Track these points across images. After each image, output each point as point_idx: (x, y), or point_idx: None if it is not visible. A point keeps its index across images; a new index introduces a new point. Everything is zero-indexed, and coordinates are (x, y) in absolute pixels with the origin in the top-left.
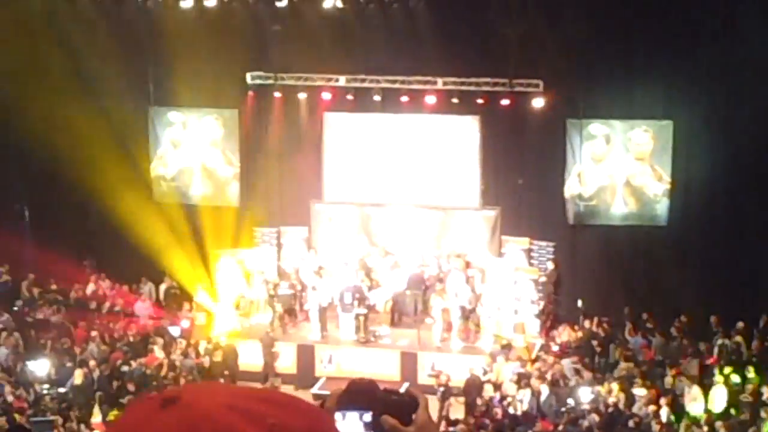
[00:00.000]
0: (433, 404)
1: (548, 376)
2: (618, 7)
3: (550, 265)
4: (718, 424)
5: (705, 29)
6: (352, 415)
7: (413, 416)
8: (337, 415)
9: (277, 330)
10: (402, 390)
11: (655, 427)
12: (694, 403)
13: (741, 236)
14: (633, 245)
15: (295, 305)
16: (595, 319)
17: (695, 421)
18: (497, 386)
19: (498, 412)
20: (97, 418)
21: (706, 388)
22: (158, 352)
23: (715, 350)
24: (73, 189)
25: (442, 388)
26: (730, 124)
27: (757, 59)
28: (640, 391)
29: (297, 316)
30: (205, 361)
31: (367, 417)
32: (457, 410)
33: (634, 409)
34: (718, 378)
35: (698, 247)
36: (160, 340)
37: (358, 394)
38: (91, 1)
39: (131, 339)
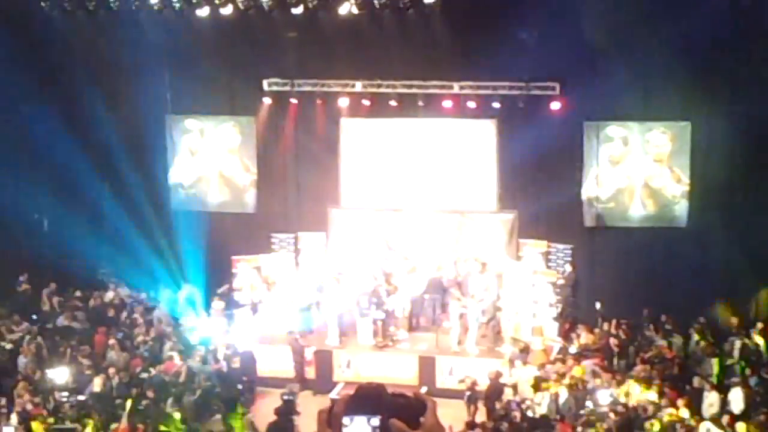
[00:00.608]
0: (461, 409)
1: (567, 379)
2: (634, 9)
3: (568, 268)
4: (740, 425)
5: (722, 30)
6: (360, 419)
7: (421, 420)
8: (345, 420)
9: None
10: (410, 394)
11: (678, 428)
12: (711, 408)
13: (760, 237)
14: (651, 247)
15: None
16: (614, 322)
17: (715, 422)
18: (516, 389)
19: (516, 415)
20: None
21: (724, 389)
22: (176, 359)
23: (735, 352)
24: (92, 197)
25: (468, 392)
26: (748, 125)
27: None
28: (650, 395)
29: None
30: (224, 367)
31: (375, 421)
32: (481, 414)
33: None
34: (735, 380)
35: (717, 248)
36: (178, 347)
37: (367, 398)
38: (108, 11)
39: (150, 345)
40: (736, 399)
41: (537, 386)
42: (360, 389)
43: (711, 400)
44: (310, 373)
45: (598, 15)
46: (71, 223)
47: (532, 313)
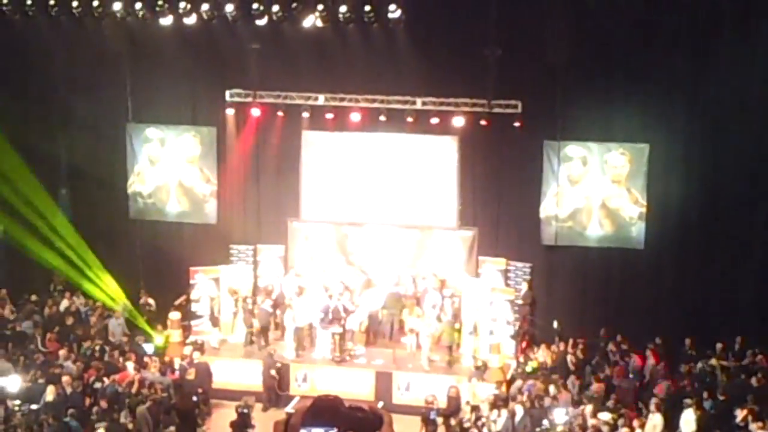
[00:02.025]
0: (416, 425)
1: (523, 397)
2: (597, 31)
3: (525, 287)
4: None
5: (683, 54)
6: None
7: None
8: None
9: (253, 347)
10: (367, 407)
11: None
12: (654, 430)
13: (715, 259)
14: (608, 267)
15: (271, 323)
16: (571, 341)
17: None
18: (473, 407)
19: None
20: None
21: (676, 411)
22: (130, 369)
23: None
24: (49, 204)
25: (432, 410)
26: (706, 148)
27: (734, 85)
28: (604, 416)
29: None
30: (179, 379)
31: None
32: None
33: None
34: (688, 401)
35: (673, 270)
36: (132, 357)
37: (324, 410)
38: (70, 18)
39: (105, 356)
40: (688, 421)
41: (494, 404)
42: (317, 401)
43: (654, 422)
44: (253, 386)
45: (560, 36)
46: (27, 231)
47: (490, 331)
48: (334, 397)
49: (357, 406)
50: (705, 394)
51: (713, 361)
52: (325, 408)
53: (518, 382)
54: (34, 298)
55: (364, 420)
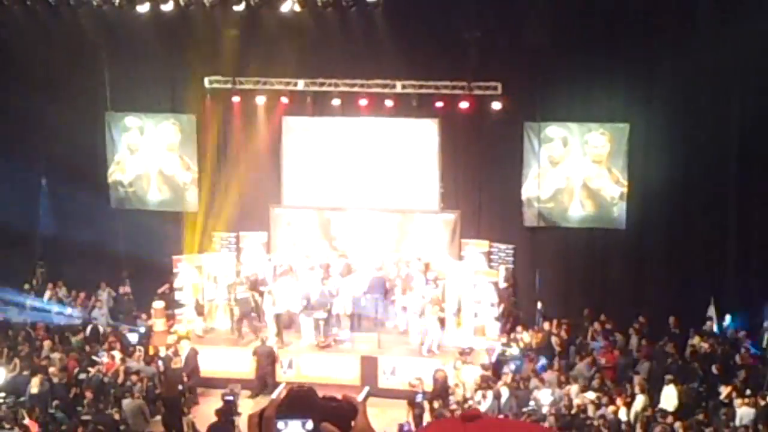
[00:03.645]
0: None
1: (508, 379)
2: (576, 11)
3: (503, 270)
4: (677, 424)
5: (663, 34)
6: (295, 423)
7: (352, 422)
8: (280, 423)
9: (234, 334)
10: (341, 397)
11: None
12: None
13: (697, 238)
14: (591, 247)
15: (252, 310)
16: (555, 321)
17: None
18: (456, 386)
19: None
20: None
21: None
22: (116, 359)
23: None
24: (31, 194)
25: (419, 395)
26: (686, 128)
27: (712, 64)
28: (589, 395)
29: (257, 321)
30: (165, 367)
31: (309, 425)
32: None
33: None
34: (669, 377)
35: (655, 249)
36: (117, 347)
37: (298, 401)
38: (46, 7)
39: (82, 344)
40: (669, 396)
41: (480, 386)
42: (291, 392)
43: (640, 401)
44: (238, 373)
45: (540, 16)
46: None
47: (474, 313)
48: (308, 388)
49: (331, 396)
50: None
51: (696, 339)
52: (299, 399)
53: (509, 364)
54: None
55: (339, 409)
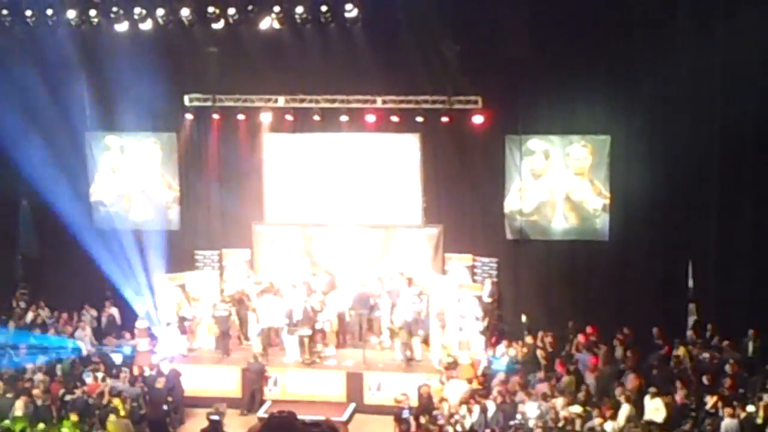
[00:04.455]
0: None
1: (494, 392)
2: (556, 24)
3: (489, 284)
4: None
5: (642, 45)
6: None
7: None
8: None
9: (217, 352)
10: (322, 421)
11: None
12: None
13: (679, 249)
14: (574, 260)
15: (230, 327)
16: (540, 334)
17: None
18: (441, 401)
19: (449, 430)
20: None
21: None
22: (99, 380)
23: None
24: (8, 216)
25: (405, 411)
26: (666, 138)
27: (692, 75)
28: (575, 408)
29: (236, 339)
30: (149, 388)
31: None
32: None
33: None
34: (653, 390)
35: (638, 260)
36: (101, 368)
37: (278, 428)
38: (24, 27)
39: (69, 367)
40: (657, 408)
41: (465, 400)
42: (271, 419)
43: (624, 412)
44: (224, 391)
45: (520, 30)
46: None
47: (459, 327)
48: (288, 413)
49: (312, 421)
50: (678, 383)
51: (681, 350)
52: (279, 425)
53: (497, 377)
54: None
55: None
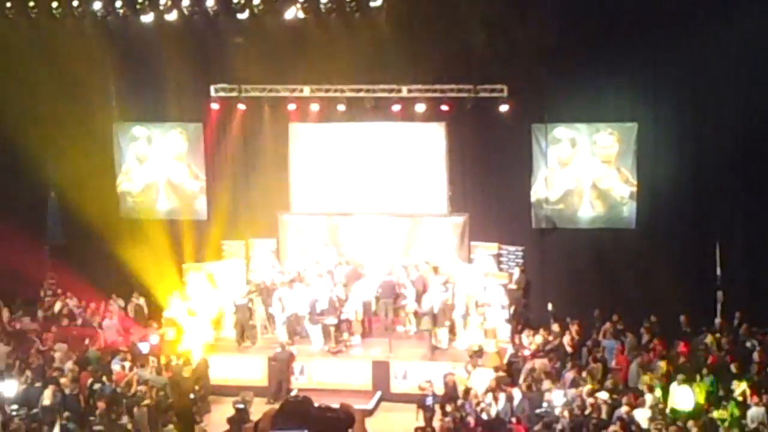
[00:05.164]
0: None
1: (521, 381)
2: (582, 12)
3: (517, 272)
4: (690, 423)
5: (668, 31)
6: None
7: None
8: None
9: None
10: (338, 406)
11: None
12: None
13: (707, 236)
14: (601, 248)
15: (251, 317)
16: (569, 322)
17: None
18: (465, 390)
19: (471, 420)
20: None
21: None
22: (127, 369)
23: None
24: (38, 207)
25: (429, 397)
26: (694, 126)
27: (718, 60)
28: (602, 395)
29: (262, 328)
30: (176, 377)
31: None
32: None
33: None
34: (681, 377)
35: (665, 248)
36: (129, 357)
37: (293, 413)
38: (50, 19)
39: (99, 356)
40: (685, 396)
41: (491, 389)
42: (286, 404)
43: (650, 401)
44: (250, 380)
45: (545, 18)
46: (17, 233)
47: (485, 316)
48: (303, 398)
49: (327, 406)
50: (704, 370)
51: (709, 338)
52: (294, 410)
53: (527, 365)
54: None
55: (335, 420)
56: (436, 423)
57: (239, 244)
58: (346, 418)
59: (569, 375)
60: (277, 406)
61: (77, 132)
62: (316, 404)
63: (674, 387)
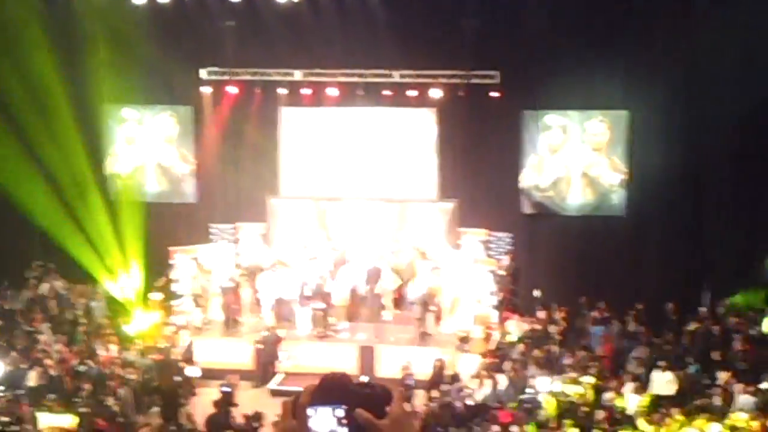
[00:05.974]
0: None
1: (506, 366)
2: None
3: (506, 259)
4: (674, 410)
5: (661, 19)
6: (325, 410)
7: (387, 409)
8: (310, 411)
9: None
10: (376, 383)
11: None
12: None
13: (696, 225)
14: (590, 235)
15: (236, 300)
16: (555, 308)
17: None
18: (455, 377)
19: (458, 405)
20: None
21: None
22: (113, 351)
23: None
24: (25, 188)
25: (411, 380)
26: (685, 114)
27: (711, 48)
28: (588, 379)
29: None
30: (162, 359)
31: (340, 411)
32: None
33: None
34: (662, 364)
35: (654, 236)
36: (114, 339)
37: (331, 388)
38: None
39: (84, 338)
40: (668, 382)
41: (477, 374)
42: (325, 379)
43: (632, 388)
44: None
45: (538, 4)
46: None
47: (472, 302)
48: (342, 374)
49: (365, 382)
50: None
51: (692, 325)
52: (333, 386)
53: (514, 349)
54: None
55: (373, 396)
56: (420, 406)
57: (228, 227)
58: (385, 395)
59: (555, 361)
60: (264, 389)
61: (66, 113)
62: (355, 380)
63: (656, 373)
